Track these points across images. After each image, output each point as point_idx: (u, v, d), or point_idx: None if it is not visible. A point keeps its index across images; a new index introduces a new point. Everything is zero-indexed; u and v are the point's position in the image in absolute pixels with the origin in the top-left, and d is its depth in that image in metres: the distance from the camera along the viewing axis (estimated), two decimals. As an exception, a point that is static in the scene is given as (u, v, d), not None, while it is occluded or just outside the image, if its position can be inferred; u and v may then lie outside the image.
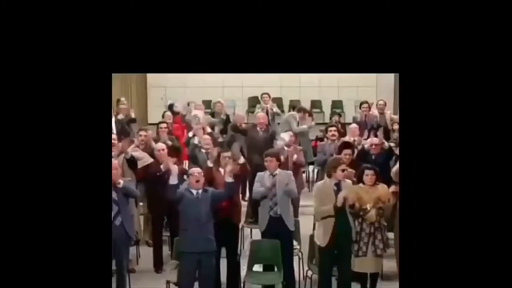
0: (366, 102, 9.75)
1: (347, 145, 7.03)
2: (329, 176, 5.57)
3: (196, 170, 5.57)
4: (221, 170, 6.04)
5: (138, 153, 6.87)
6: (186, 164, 7.95)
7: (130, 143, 7.09)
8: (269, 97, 10.25)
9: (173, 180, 5.44)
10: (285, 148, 7.27)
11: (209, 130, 8.35)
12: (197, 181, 5.43)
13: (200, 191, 5.43)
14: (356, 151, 7.28)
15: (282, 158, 6.99)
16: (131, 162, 6.62)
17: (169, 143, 7.59)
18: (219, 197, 5.53)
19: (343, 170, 5.51)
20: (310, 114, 9.67)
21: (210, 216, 5.41)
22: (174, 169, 5.54)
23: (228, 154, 6.11)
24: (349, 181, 5.63)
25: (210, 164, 6.27)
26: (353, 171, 6.33)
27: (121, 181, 5.54)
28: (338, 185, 5.50)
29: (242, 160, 6.19)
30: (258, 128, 8.34)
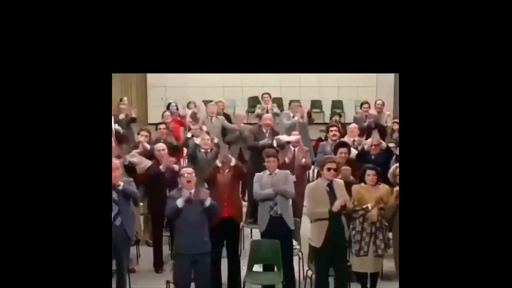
0: (367, 102, 9.75)
1: (342, 144, 7.04)
2: (320, 175, 5.54)
3: (186, 171, 5.43)
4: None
5: (136, 159, 6.86)
6: (184, 163, 7.98)
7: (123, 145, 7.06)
8: (270, 97, 10.20)
9: (180, 203, 5.28)
10: (291, 148, 7.26)
11: (205, 128, 8.32)
12: (189, 182, 5.34)
13: (193, 191, 5.35)
14: (355, 151, 7.31)
15: (287, 159, 7.00)
16: (130, 168, 6.61)
17: (173, 139, 7.58)
18: (210, 211, 5.36)
19: (329, 169, 5.39)
20: (300, 106, 9.68)
21: (204, 218, 5.33)
22: (185, 193, 5.32)
23: (227, 155, 6.08)
24: (339, 181, 5.52)
25: (219, 163, 6.03)
26: (349, 168, 6.34)
27: (121, 183, 5.51)
28: (330, 186, 5.41)
29: (233, 162, 6.03)
30: (263, 130, 8.22)
